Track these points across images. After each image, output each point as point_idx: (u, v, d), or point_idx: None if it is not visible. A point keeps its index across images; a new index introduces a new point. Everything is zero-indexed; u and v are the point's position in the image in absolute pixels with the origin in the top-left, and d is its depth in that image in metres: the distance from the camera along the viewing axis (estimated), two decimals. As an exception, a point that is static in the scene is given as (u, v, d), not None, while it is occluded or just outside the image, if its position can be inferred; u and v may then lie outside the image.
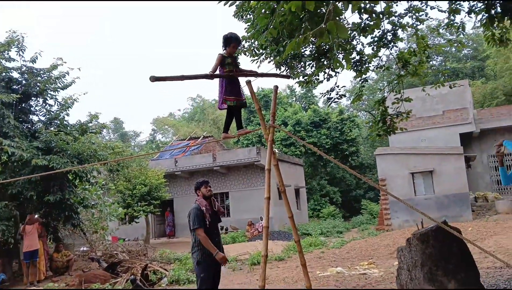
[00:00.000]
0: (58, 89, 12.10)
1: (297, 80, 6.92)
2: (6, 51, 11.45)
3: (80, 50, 74.40)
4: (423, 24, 7.76)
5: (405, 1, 6.74)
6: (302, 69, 6.57)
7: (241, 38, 5.27)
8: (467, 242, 4.01)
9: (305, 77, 6.79)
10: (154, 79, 3.90)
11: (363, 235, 17.09)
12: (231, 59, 4.65)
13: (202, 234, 4.88)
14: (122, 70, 77.77)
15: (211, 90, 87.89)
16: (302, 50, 6.09)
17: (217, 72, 4.60)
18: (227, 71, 4.56)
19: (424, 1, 6.77)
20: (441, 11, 7.80)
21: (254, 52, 6.34)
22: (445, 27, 8.27)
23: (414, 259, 4.46)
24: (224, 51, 4.67)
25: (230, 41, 4.63)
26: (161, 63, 76.64)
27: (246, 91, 4.83)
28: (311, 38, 3.16)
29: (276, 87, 4.82)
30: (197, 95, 58.48)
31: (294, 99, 39.84)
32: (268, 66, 5.62)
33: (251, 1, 4.58)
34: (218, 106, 4.94)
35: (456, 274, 4.24)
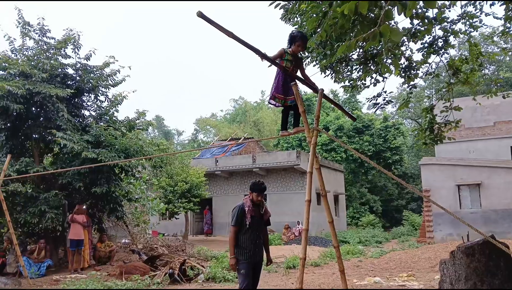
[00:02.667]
0: (109, 86, 12.57)
1: (342, 84, 6.86)
2: (63, 48, 12.03)
3: (126, 49, 77.01)
4: (476, 31, 7.50)
5: (460, 5, 6.53)
6: (349, 73, 6.51)
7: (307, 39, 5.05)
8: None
9: (351, 82, 6.72)
10: (201, 14, 3.67)
11: (403, 247, 16.62)
12: (293, 58, 4.62)
13: (231, 233, 5.04)
14: (167, 68, 79.82)
15: (254, 92, 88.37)
16: (350, 54, 6.04)
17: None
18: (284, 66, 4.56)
19: (479, 3, 6.51)
20: (496, 18, 7.51)
21: (300, 55, 6.34)
22: (500, 34, 7.95)
23: (457, 272, 4.32)
24: (289, 49, 4.70)
25: (295, 39, 4.61)
26: (203, 68, 77.92)
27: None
28: (360, 42, 3.14)
29: (322, 90, 4.80)
30: (239, 96, 59.02)
31: (337, 104, 39.36)
32: (313, 70, 5.56)
33: (302, 4, 4.59)
34: (273, 98, 4.87)
35: (502, 290, 4.07)
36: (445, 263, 4.54)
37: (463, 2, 6.55)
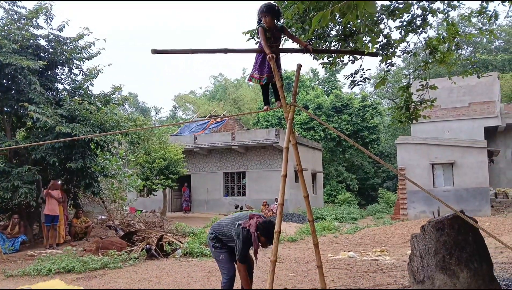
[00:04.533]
0: (84, 59, 12.26)
1: (321, 61, 6.83)
2: (35, 19, 11.60)
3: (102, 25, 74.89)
4: (454, 11, 7.54)
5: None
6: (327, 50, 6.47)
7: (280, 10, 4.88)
8: (484, 232, 3.97)
9: (329, 59, 6.71)
10: (154, 51, 3.94)
11: (377, 223, 17.03)
12: (270, 32, 4.33)
13: (242, 272, 4.88)
14: (146, 44, 78.12)
15: (235, 69, 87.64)
16: (328, 30, 6.00)
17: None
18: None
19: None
20: (474, -1, 7.54)
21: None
22: (477, 15, 8.01)
23: (427, 246, 4.44)
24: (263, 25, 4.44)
25: (261, 13, 4.30)
26: (178, 37, 76.45)
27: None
28: (337, 14, 3.11)
29: (300, 66, 4.76)
30: (219, 74, 58.35)
31: (316, 82, 39.41)
32: (292, 46, 5.51)
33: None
34: (250, 79, 4.73)
35: (469, 263, 4.21)
36: (415, 237, 4.66)
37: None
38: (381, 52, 6.55)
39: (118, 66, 50.91)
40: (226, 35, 76.67)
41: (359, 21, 4.43)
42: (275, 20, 4.38)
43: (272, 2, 4.48)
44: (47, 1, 11.62)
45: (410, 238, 4.83)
